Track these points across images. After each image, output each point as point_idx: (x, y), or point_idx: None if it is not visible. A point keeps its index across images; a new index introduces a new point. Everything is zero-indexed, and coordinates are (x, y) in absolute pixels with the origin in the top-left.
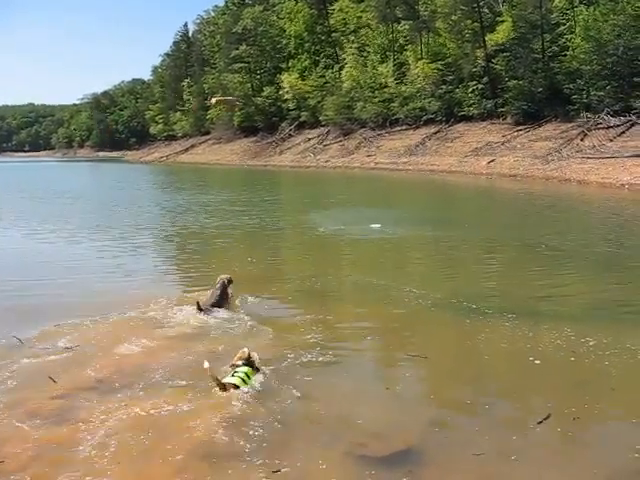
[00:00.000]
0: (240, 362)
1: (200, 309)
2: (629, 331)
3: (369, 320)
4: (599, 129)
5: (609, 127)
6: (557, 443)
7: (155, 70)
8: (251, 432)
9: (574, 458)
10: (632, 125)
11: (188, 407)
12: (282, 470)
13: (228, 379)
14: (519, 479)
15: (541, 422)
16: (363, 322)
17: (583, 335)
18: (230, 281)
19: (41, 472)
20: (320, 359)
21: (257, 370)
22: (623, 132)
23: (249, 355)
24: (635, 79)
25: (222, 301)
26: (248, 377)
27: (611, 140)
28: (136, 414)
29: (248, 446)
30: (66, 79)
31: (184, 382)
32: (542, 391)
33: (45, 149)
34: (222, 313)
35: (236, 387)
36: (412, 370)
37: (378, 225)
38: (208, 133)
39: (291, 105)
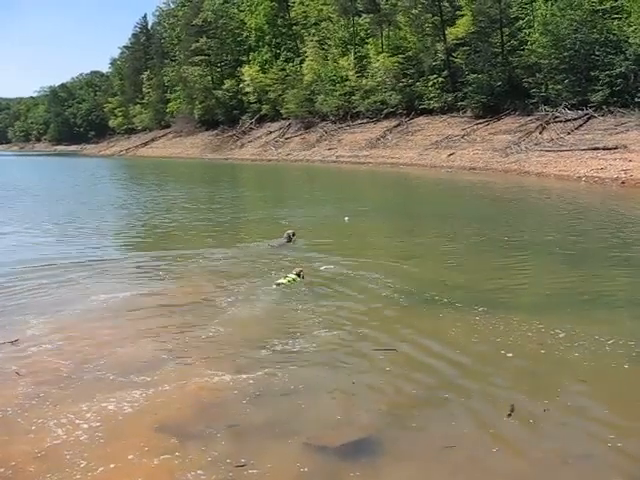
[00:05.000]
0: (294, 272)
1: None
2: (596, 322)
3: (338, 311)
4: (557, 122)
5: (567, 120)
6: (526, 434)
7: (114, 62)
8: (214, 424)
9: (542, 448)
10: (589, 119)
11: (154, 392)
12: (245, 463)
13: (281, 280)
14: (491, 470)
15: (510, 415)
16: (331, 313)
17: (552, 327)
18: (294, 234)
19: (21, 469)
20: (285, 348)
21: (302, 278)
22: (580, 125)
23: (300, 271)
24: (592, 73)
25: (285, 245)
26: (294, 281)
27: (569, 133)
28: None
29: (211, 438)
30: (22, 72)
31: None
32: (514, 384)
33: (1, 143)
34: (281, 250)
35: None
36: (381, 363)
37: (346, 217)
38: (168, 126)
39: (252, 98)
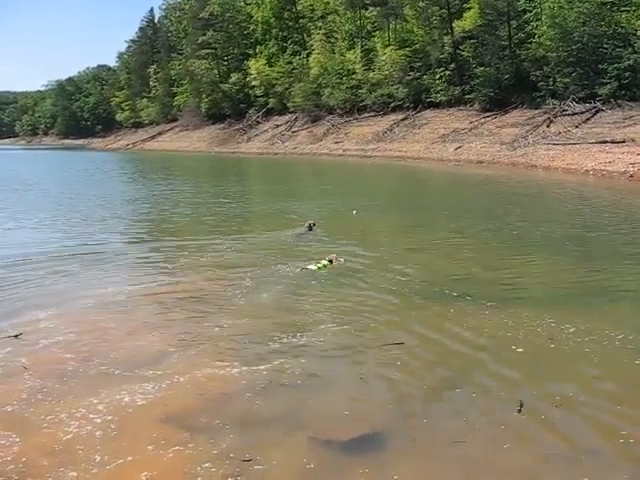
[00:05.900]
0: (327, 258)
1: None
2: (606, 318)
3: (348, 304)
4: (565, 116)
5: (574, 114)
6: (537, 430)
7: (121, 56)
8: (222, 416)
9: (552, 445)
10: (597, 112)
11: (163, 385)
12: (252, 458)
13: (312, 266)
14: (501, 467)
15: (520, 410)
16: (341, 305)
17: (562, 322)
18: (314, 224)
19: (34, 464)
20: (294, 340)
21: (334, 263)
22: (588, 119)
23: (332, 258)
24: (600, 66)
25: (306, 234)
26: (325, 267)
27: (576, 127)
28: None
29: (220, 430)
30: (29, 66)
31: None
32: (524, 379)
33: (9, 137)
34: (301, 238)
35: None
36: (389, 357)
37: (354, 211)
38: (175, 120)
39: (259, 92)
